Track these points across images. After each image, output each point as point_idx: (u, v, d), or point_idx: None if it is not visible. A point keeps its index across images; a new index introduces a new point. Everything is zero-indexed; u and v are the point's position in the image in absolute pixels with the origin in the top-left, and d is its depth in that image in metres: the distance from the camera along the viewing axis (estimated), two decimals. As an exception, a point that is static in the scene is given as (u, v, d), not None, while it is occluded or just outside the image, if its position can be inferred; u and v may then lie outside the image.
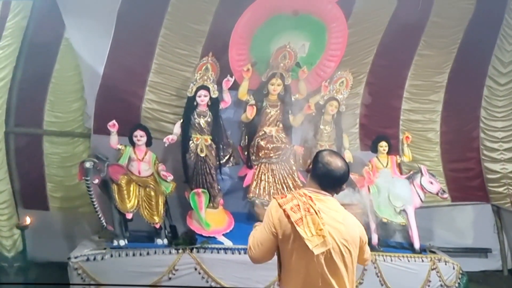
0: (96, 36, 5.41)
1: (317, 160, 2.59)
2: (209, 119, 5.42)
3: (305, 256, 2.44)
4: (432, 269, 5.33)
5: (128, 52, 5.62)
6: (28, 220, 4.68)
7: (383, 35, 6.08)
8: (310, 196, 2.53)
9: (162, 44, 5.73)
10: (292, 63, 5.62)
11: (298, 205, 2.48)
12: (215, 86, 5.40)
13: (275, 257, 2.65)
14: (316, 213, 2.45)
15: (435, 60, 6.31)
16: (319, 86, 5.81)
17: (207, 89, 5.34)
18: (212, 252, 4.97)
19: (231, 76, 5.48)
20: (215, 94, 5.39)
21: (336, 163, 2.54)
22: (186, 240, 5.02)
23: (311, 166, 2.64)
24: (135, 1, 5.40)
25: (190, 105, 5.39)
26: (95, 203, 4.74)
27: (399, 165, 5.90)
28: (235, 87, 5.57)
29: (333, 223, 2.48)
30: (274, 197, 2.63)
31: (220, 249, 5.01)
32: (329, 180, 2.56)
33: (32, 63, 5.58)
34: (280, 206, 2.51)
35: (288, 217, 2.46)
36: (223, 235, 5.35)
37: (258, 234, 2.62)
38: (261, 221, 2.75)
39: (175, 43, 5.75)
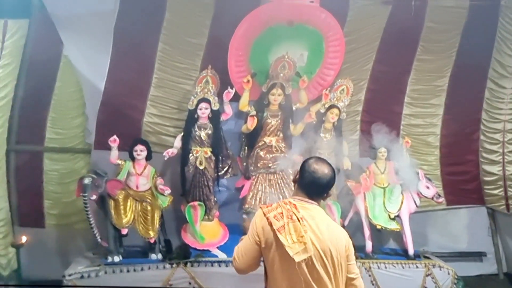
0: (94, 52, 5.49)
1: (304, 169, 2.59)
2: (209, 131, 5.42)
3: (287, 264, 2.44)
4: (427, 275, 5.30)
5: (128, 67, 5.69)
6: (23, 239, 4.70)
7: (380, 42, 6.11)
8: (294, 204, 2.53)
9: (160, 59, 5.79)
10: (292, 73, 5.63)
11: (282, 213, 2.49)
12: (216, 98, 5.42)
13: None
14: (298, 220, 2.45)
15: (435, 64, 6.31)
16: (320, 94, 5.81)
17: (208, 101, 5.36)
18: (206, 266, 5.01)
19: (232, 88, 5.50)
20: (216, 107, 5.40)
21: (322, 170, 2.55)
22: (180, 254, 5.03)
23: (297, 176, 2.64)
24: (130, 17, 5.49)
25: (191, 118, 5.41)
26: (91, 219, 4.75)
27: (396, 171, 5.83)
28: (236, 98, 5.59)
29: (316, 230, 2.47)
30: (260, 207, 2.64)
31: (214, 262, 5.01)
32: (316, 188, 2.57)
33: (33, 80, 5.65)
34: (265, 214, 2.52)
35: (270, 224, 2.47)
36: (217, 247, 5.34)
37: (242, 244, 2.63)
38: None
39: (174, 57, 5.81)
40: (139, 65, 5.77)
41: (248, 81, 5.53)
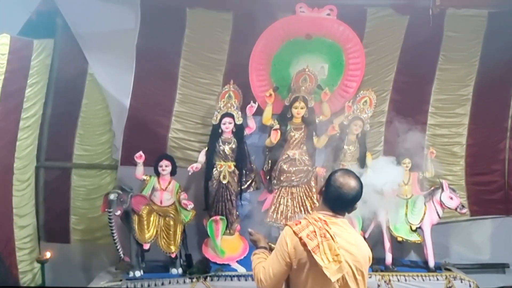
0: (118, 70, 5.65)
1: (330, 183, 2.52)
2: (233, 146, 5.44)
3: (321, 284, 2.38)
4: None
5: (152, 84, 5.81)
6: (48, 255, 4.74)
7: (401, 52, 6.08)
8: (325, 220, 2.46)
9: (183, 75, 5.89)
10: (314, 86, 5.64)
11: (314, 231, 2.41)
12: (239, 112, 5.46)
13: None
14: (332, 237, 2.39)
15: (458, 73, 6.23)
16: (343, 106, 5.78)
17: (232, 116, 5.40)
18: (225, 280, 5.03)
19: (254, 102, 5.54)
20: (239, 121, 5.44)
21: (348, 185, 2.47)
22: (201, 268, 5.07)
23: (323, 189, 2.58)
24: (151, 34, 5.63)
25: (215, 133, 5.45)
26: (114, 234, 4.80)
27: (420, 182, 5.78)
28: (259, 112, 5.62)
29: (347, 246, 2.42)
30: (287, 224, 2.54)
31: (234, 276, 5.06)
32: (341, 203, 2.51)
33: (60, 98, 5.81)
34: (296, 234, 2.43)
35: (304, 245, 2.39)
36: (237, 261, 5.33)
37: (270, 265, 2.51)
38: (260, 247, 2.74)
39: (196, 72, 5.90)
40: (163, 82, 5.87)
41: (271, 95, 5.55)
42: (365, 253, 2.49)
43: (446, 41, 6.11)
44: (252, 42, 5.63)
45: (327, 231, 2.40)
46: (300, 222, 2.49)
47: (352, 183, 2.47)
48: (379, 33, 6.01)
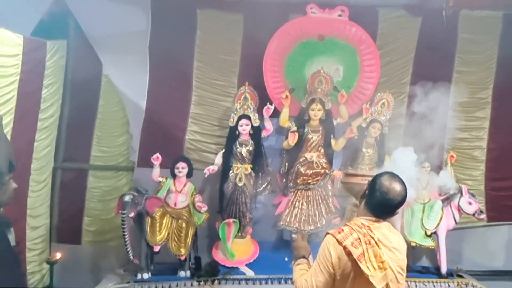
0: (133, 72, 5.64)
1: (375, 188, 2.43)
2: (250, 148, 5.40)
3: None
4: None
5: (167, 86, 5.80)
6: (58, 256, 4.73)
7: (415, 54, 6.02)
8: (368, 226, 2.39)
9: (197, 76, 5.88)
10: (330, 88, 5.57)
11: (359, 238, 2.34)
12: (256, 114, 5.41)
13: None
14: (377, 244, 2.33)
15: (475, 76, 6.14)
16: (360, 109, 5.71)
17: (248, 118, 5.35)
18: (233, 283, 4.98)
19: (271, 104, 5.48)
20: (256, 123, 5.39)
21: (395, 190, 2.39)
22: (209, 271, 5.02)
23: (366, 192, 2.48)
24: (163, 36, 5.64)
25: (232, 135, 5.40)
26: (126, 236, 4.77)
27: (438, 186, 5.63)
28: (276, 114, 5.57)
29: (391, 250, 2.37)
30: (329, 233, 2.43)
31: (242, 279, 5.01)
32: (385, 209, 2.43)
33: (77, 100, 5.83)
34: (340, 242, 2.34)
35: (349, 254, 2.31)
36: (246, 265, 5.27)
37: (312, 277, 2.42)
38: (301, 257, 2.65)
39: (210, 74, 5.88)
40: (177, 83, 5.86)
41: (287, 96, 5.50)
42: (405, 255, 2.47)
43: (462, 43, 6.04)
44: (264, 43, 5.61)
45: (371, 237, 2.34)
46: (343, 230, 2.40)
47: (398, 187, 2.40)
48: (392, 35, 5.96)
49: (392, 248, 2.37)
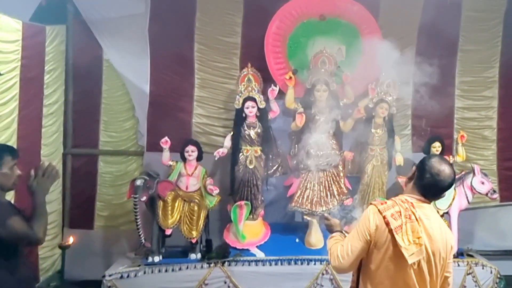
0: (133, 55, 5.54)
1: (424, 169, 2.46)
2: (259, 130, 5.36)
3: (396, 265, 2.35)
4: (468, 274, 5.19)
5: (169, 69, 5.72)
6: (71, 240, 4.71)
7: (418, 33, 5.93)
8: (411, 203, 2.43)
9: (199, 59, 5.80)
10: (333, 68, 5.50)
11: (400, 211, 2.38)
12: (261, 96, 5.34)
13: None
14: (417, 220, 2.36)
15: (480, 55, 6.09)
16: (366, 89, 5.63)
17: (254, 100, 5.29)
18: (243, 265, 4.99)
19: (275, 85, 5.41)
20: (262, 105, 5.33)
21: (445, 172, 2.43)
22: (220, 253, 5.03)
23: (415, 173, 2.51)
24: (162, 18, 5.52)
25: (239, 117, 5.35)
26: (138, 220, 4.79)
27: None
28: (281, 96, 5.51)
29: (429, 231, 2.39)
30: (372, 203, 2.50)
31: (252, 261, 5.02)
32: (435, 190, 2.47)
33: (80, 85, 5.75)
34: (380, 212, 2.40)
35: (387, 224, 2.36)
36: (257, 246, 5.29)
37: (349, 242, 2.48)
38: (336, 231, 2.72)
39: (211, 57, 5.80)
40: (179, 66, 5.77)
41: (290, 78, 5.42)
42: (447, 241, 2.45)
43: (465, 21, 5.98)
44: (264, 24, 5.52)
45: (413, 212, 2.38)
46: (386, 202, 2.47)
47: (447, 170, 2.44)
48: (394, 14, 5.83)
49: (431, 228, 2.38)
